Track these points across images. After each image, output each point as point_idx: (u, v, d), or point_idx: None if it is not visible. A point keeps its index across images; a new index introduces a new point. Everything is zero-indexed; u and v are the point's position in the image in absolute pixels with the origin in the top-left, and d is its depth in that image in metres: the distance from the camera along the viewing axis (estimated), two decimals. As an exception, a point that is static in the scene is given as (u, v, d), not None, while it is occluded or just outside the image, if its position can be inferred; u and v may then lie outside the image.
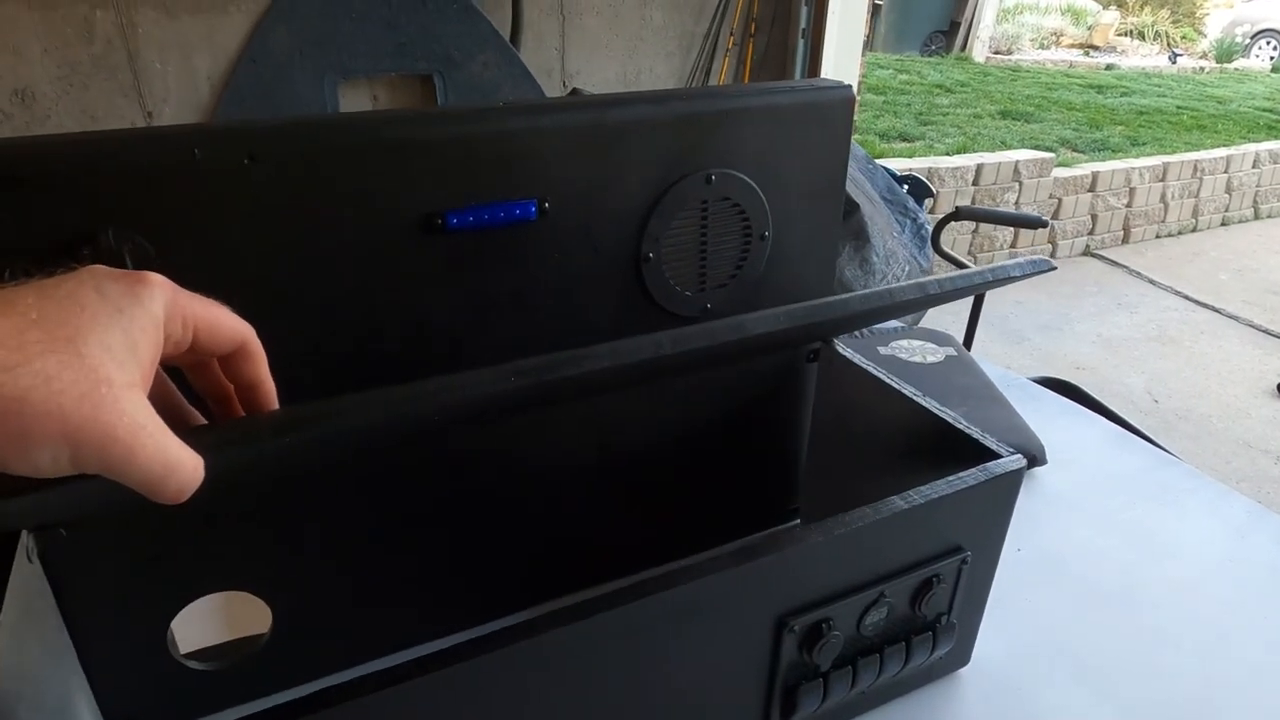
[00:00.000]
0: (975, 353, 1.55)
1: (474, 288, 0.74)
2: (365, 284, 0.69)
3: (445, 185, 0.69)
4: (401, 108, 3.01)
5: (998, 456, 0.74)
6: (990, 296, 2.07)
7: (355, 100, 3.15)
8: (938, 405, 0.80)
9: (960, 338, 1.69)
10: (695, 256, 0.82)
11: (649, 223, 0.77)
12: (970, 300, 2.07)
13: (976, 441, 0.76)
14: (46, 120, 2.70)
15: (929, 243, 2.06)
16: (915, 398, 0.82)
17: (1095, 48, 12.66)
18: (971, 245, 4.86)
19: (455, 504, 0.72)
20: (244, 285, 0.65)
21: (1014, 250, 5.02)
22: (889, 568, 0.71)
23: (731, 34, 3.65)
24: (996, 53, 11.46)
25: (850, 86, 0.80)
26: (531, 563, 0.80)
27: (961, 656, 0.84)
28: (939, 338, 1.55)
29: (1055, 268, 0.70)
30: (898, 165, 3.92)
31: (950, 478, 0.70)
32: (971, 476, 0.71)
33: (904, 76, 9.01)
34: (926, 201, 2.48)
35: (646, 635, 0.60)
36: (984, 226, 4.81)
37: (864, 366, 0.87)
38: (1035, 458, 1.17)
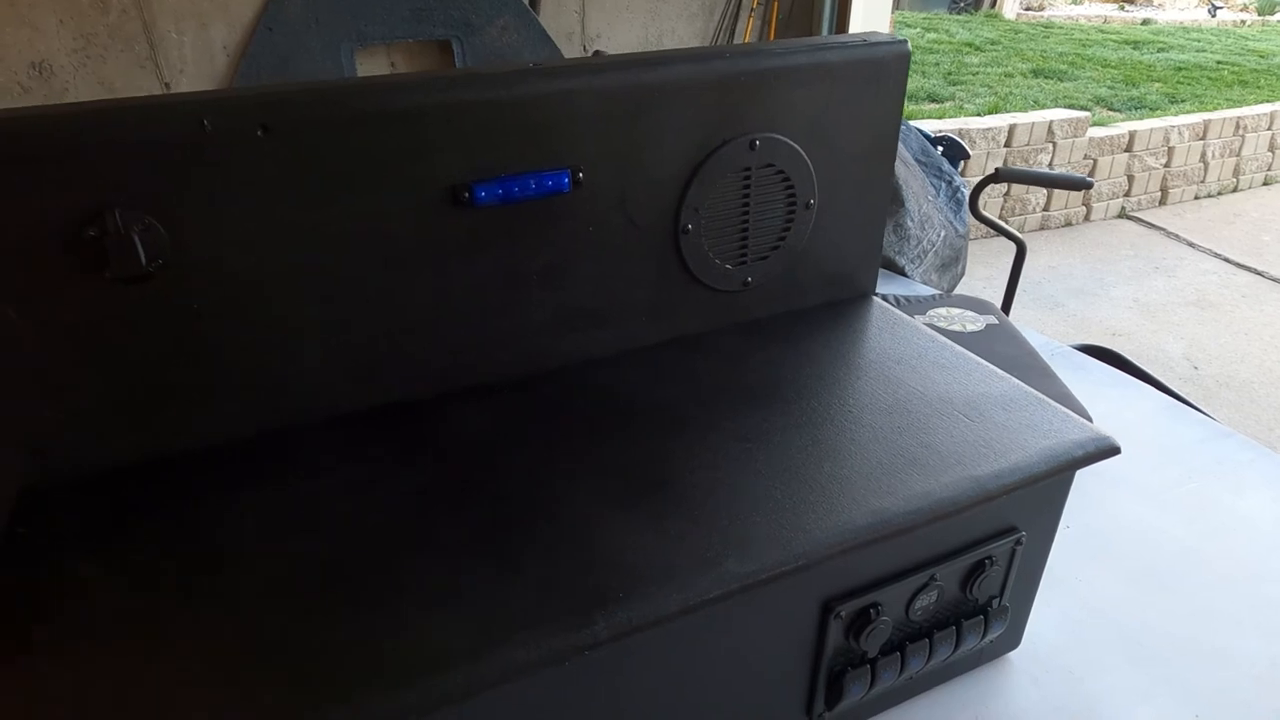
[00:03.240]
0: (1015, 321, 1.49)
1: (503, 263, 0.70)
2: (387, 262, 0.66)
3: (472, 155, 0.65)
4: (422, 71, 2.96)
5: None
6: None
7: (373, 68, 3.09)
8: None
9: (996, 303, 1.64)
10: (736, 227, 0.78)
11: (688, 192, 0.73)
12: (1009, 263, 2.00)
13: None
14: (65, 93, 2.68)
15: (965, 206, 2.00)
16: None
17: (1131, 2, 12.23)
18: (1003, 209, 4.73)
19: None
20: (260, 266, 0.62)
21: (1047, 213, 4.88)
22: (940, 550, 0.68)
23: (756, -8, 3.53)
24: (1028, 9, 11.09)
25: (906, 41, 0.75)
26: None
27: (1012, 639, 0.81)
28: (978, 305, 1.50)
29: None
30: (928, 127, 3.80)
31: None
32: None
33: (932, 35, 8.75)
34: (959, 164, 2.40)
35: (688, 623, 0.57)
36: (1016, 188, 4.68)
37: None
38: (1084, 431, 1.13)
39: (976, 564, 0.70)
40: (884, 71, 0.78)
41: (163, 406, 0.64)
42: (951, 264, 1.88)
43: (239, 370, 0.65)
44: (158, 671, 0.49)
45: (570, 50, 3.35)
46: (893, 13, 4.06)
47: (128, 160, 0.56)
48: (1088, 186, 1.67)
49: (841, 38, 0.75)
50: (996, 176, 1.77)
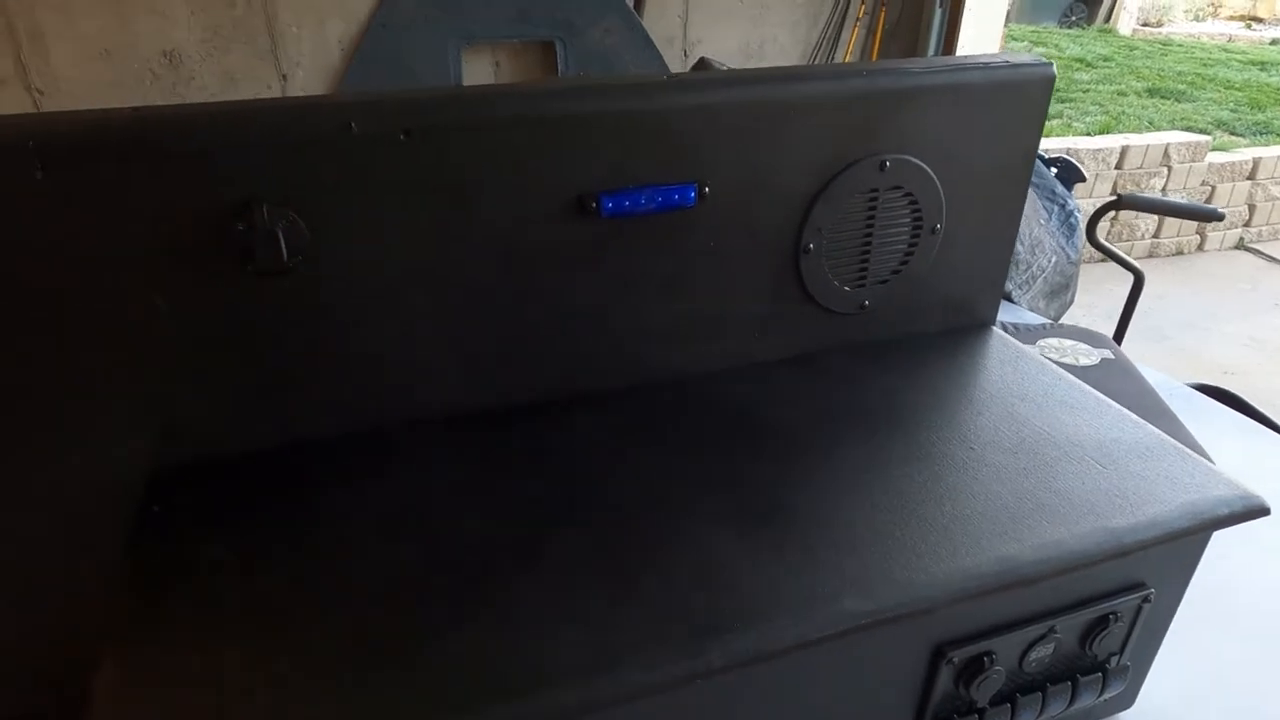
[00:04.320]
0: (1127, 354, 1.42)
1: (623, 274, 0.70)
2: (512, 267, 0.67)
3: (601, 165, 0.65)
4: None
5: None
6: (1130, 288, 1.88)
7: (477, 65, 3.17)
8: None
9: (1104, 333, 1.56)
10: (858, 249, 0.76)
11: (813, 211, 0.72)
12: (1113, 290, 1.90)
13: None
14: (191, 81, 2.83)
15: (1077, 231, 1.91)
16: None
17: (1259, 20, 11.53)
18: (1109, 233, 4.52)
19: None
20: (391, 266, 0.64)
21: (1157, 240, 4.65)
22: (1063, 601, 0.65)
23: (863, 2, 3.47)
24: (1145, 25, 10.59)
25: (1051, 65, 0.72)
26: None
27: (1127, 699, 0.77)
28: (1092, 337, 1.43)
29: None
30: (1042, 146, 3.66)
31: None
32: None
33: (1040, 49, 8.45)
34: (1073, 187, 2.30)
35: (799, 658, 0.55)
36: (1123, 212, 4.47)
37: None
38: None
39: (1100, 619, 0.66)
40: (1025, 95, 0.74)
41: (289, 397, 0.66)
42: (1061, 291, 1.81)
43: (364, 367, 0.66)
44: (276, 660, 0.50)
45: (670, 55, 3.35)
46: (1003, 26, 3.93)
47: (277, 158, 0.58)
48: (1218, 218, 1.58)
49: (984, 57, 0.72)
50: (1119, 203, 1.69)
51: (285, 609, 0.53)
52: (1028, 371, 0.79)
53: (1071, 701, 0.68)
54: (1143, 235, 4.59)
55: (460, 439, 0.68)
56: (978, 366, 0.81)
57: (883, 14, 3.50)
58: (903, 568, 0.56)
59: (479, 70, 3.19)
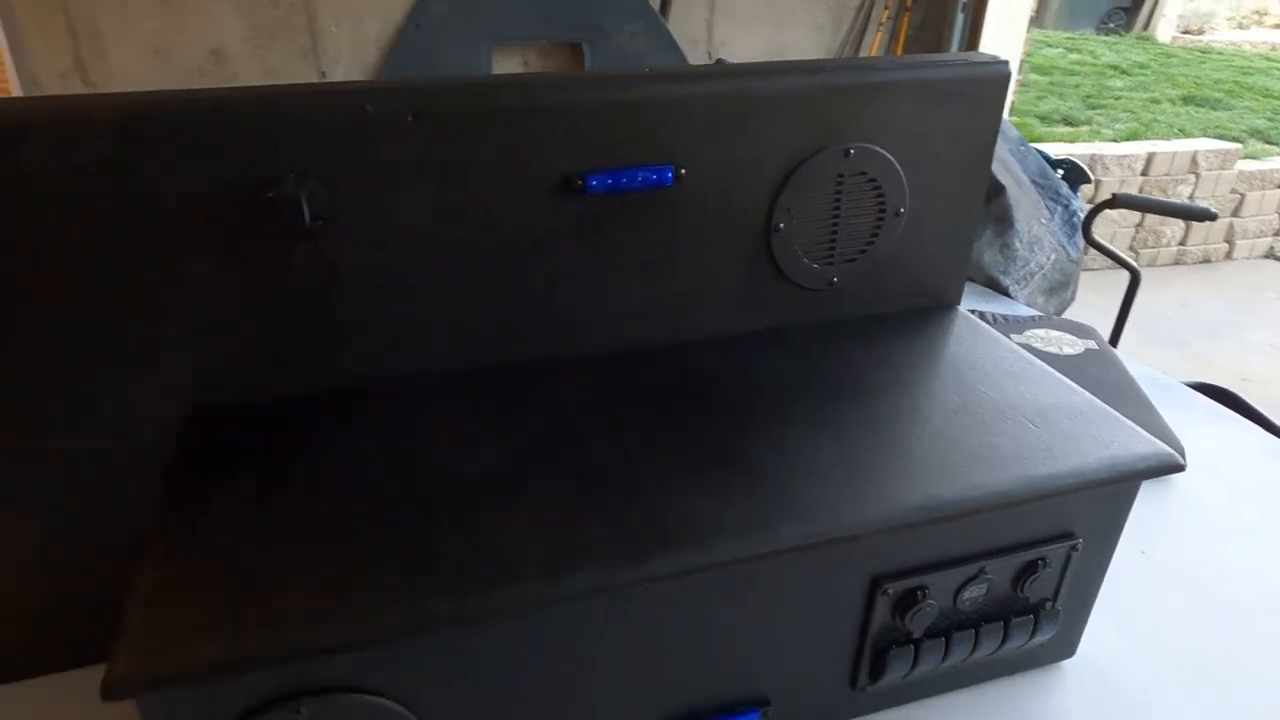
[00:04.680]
0: (1124, 352, 1.47)
1: (607, 248, 0.78)
2: (507, 239, 0.76)
3: (586, 148, 0.74)
4: (551, 71, 3.11)
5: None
6: (1151, 294, 1.93)
7: (507, 66, 3.27)
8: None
9: (1106, 333, 1.61)
10: (826, 230, 0.83)
11: (782, 193, 0.79)
12: (1122, 291, 1.95)
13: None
14: (234, 78, 2.96)
15: (1079, 231, 1.96)
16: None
17: (1304, 28, 11.29)
18: (1134, 240, 4.51)
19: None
20: (399, 234, 0.73)
21: (1183, 248, 4.63)
22: (992, 544, 0.72)
23: (886, 6, 3.52)
24: (1185, 32, 10.44)
25: (1006, 62, 0.79)
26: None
27: (1066, 648, 0.83)
28: (1080, 330, 1.48)
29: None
30: (1057, 150, 3.68)
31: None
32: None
33: (1074, 56, 8.38)
34: (1084, 189, 2.34)
35: (741, 576, 0.63)
36: (1150, 219, 4.46)
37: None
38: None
39: (1029, 563, 0.73)
40: (982, 90, 0.81)
41: (307, 349, 0.75)
42: (1060, 288, 1.85)
43: (374, 323, 0.75)
44: (293, 559, 0.59)
45: (695, 57, 3.43)
46: (1028, 31, 3.95)
47: (302, 135, 0.67)
48: (1211, 218, 1.62)
49: (944, 56, 0.80)
50: (1113, 202, 1.73)
51: (301, 523, 0.62)
52: (982, 346, 0.86)
53: (1004, 640, 0.75)
54: (1169, 242, 4.57)
55: (458, 391, 0.77)
56: (937, 342, 0.88)
57: (905, 19, 3.55)
58: (837, 503, 0.64)
59: (508, 69, 3.29)
